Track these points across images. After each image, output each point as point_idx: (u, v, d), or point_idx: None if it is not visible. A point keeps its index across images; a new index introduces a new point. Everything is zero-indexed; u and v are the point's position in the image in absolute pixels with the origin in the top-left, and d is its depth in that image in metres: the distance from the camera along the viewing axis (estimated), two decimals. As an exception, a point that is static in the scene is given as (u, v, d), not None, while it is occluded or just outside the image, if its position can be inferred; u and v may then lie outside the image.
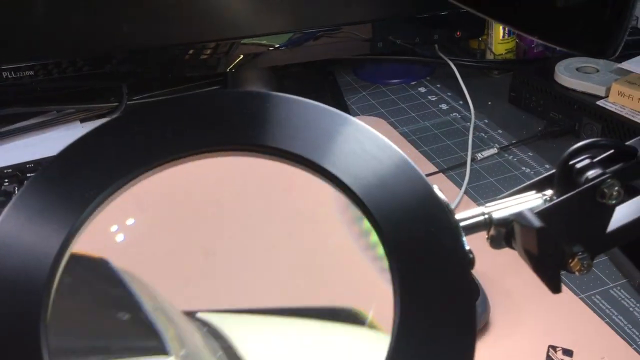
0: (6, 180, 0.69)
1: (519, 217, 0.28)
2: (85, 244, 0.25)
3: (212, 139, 0.28)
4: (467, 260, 0.26)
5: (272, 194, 0.29)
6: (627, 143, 0.30)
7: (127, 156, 0.28)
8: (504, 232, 0.29)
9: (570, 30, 0.32)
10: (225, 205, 0.28)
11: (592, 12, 0.32)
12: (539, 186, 0.29)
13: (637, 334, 0.52)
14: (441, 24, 0.87)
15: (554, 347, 0.51)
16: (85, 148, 0.28)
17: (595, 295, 0.56)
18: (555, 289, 0.28)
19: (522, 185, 0.30)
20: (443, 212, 0.26)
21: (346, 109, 0.89)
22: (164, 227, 0.27)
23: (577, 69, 0.81)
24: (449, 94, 0.90)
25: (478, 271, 0.54)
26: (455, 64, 0.90)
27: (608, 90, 0.76)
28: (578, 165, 0.28)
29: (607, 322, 0.53)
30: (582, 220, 0.28)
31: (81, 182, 0.27)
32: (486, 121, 0.83)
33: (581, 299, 0.56)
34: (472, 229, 0.28)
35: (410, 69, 0.97)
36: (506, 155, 0.76)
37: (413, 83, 0.94)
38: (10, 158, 0.77)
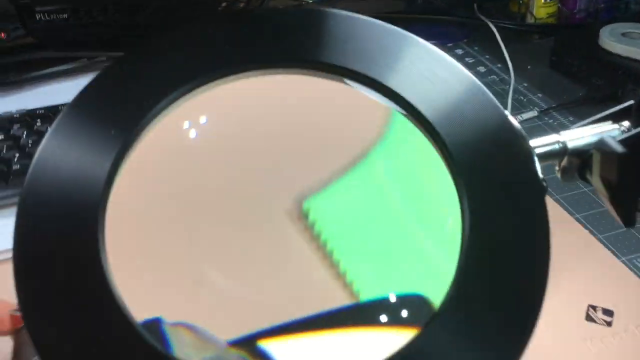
0: (38, 120, 0.68)
1: (600, 143, 0.26)
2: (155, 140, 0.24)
3: (275, 55, 0.27)
4: (542, 187, 0.24)
5: (332, 115, 0.27)
6: None
7: (186, 68, 0.26)
8: (577, 163, 0.27)
9: None
10: (286, 124, 0.27)
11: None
12: (616, 117, 0.28)
13: (681, 298, 0.51)
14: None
15: (594, 307, 0.49)
16: (139, 60, 0.27)
17: (638, 258, 0.55)
18: (630, 222, 0.27)
19: (597, 116, 0.29)
20: (517, 138, 0.25)
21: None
22: (228, 138, 0.26)
23: (623, 35, 0.78)
24: (487, 56, 0.87)
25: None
26: (495, 26, 0.88)
27: (655, 55, 0.73)
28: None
29: (649, 286, 0.52)
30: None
31: (143, 85, 0.26)
32: (525, 84, 0.80)
33: (622, 262, 0.54)
34: (546, 157, 0.27)
35: (447, 30, 0.94)
36: (546, 119, 0.74)
37: (450, 45, 0.92)
38: (39, 102, 0.77)
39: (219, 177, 0.25)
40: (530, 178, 0.24)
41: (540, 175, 0.25)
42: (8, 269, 0.24)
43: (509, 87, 0.79)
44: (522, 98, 0.78)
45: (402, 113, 0.26)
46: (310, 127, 0.27)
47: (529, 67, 0.84)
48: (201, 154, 0.25)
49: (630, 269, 0.54)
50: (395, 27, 0.29)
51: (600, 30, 0.79)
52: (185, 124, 0.25)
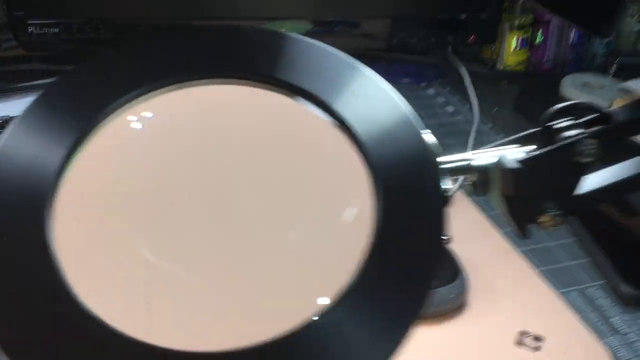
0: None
1: (500, 161, 0.30)
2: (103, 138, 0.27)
3: (229, 67, 0.31)
4: (442, 194, 0.28)
5: (274, 125, 0.31)
6: (606, 110, 0.32)
7: (141, 73, 0.30)
8: (481, 179, 0.31)
9: (579, 9, 0.34)
10: (229, 131, 0.30)
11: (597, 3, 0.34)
12: (522, 141, 0.31)
13: (608, 330, 0.54)
14: (456, 28, 0.90)
15: (525, 332, 0.52)
16: (95, 66, 0.31)
17: (573, 291, 0.58)
18: (524, 233, 0.30)
19: (506, 139, 0.32)
20: (428, 154, 0.28)
21: (355, 101, 0.91)
22: (171, 136, 0.29)
23: (583, 84, 0.83)
24: (457, 97, 0.92)
25: (463, 257, 0.56)
26: (466, 70, 0.92)
27: (610, 105, 0.78)
28: (558, 125, 0.30)
29: (580, 317, 0.55)
30: (556, 178, 0.30)
31: (94, 91, 0.29)
32: (490, 126, 0.85)
33: (557, 294, 0.57)
34: (453, 172, 0.30)
35: (422, 71, 0.99)
36: (504, 158, 0.78)
37: (423, 84, 0.97)
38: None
39: (159, 169, 0.29)
40: (432, 185, 0.28)
41: (444, 185, 0.28)
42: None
43: (473, 127, 0.83)
44: (484, 139, 0.82)
45: (337, 127, 0.29)
46: (250, 132, 0.30)
47: (495, 109, 0.89)
48: (144, 148, 0.29)
49: (565, 300, 0.57)
50: (345, 55, 0.33)
51: (562, 80, 0.84)
52: (133, 119, 0.28)
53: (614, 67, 0.89)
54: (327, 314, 0.25)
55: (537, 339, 0.52)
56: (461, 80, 0.92)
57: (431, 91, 0.95)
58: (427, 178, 0.28)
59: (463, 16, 0.89)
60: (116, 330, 0.24)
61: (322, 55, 0.32)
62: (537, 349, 0.51)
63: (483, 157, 0.31)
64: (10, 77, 0.87)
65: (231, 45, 0.31)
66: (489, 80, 0.95)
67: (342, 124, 0.29)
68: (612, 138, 0.31)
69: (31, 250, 0.27)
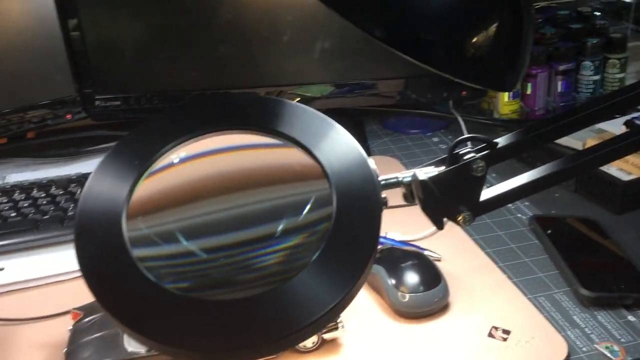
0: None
1: (414, 176, 0.44)
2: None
3: (239, 121, 0.46)
4: (381, 200, 0.42)
5: (267, 158, 0.46)
6: (495, 140, 0.46)
7: (178, 130, 0.45)
8: (408, 190, 0.44)
9: (478, 71, 0.48)
10: (239, 161, 0.45)
11: (494, 58, 0.48)
12: (437, 164, 0.45)
13: (568, 326, 0.66)
14: (451, 84, 1.04)
15: (495, 327, 0.65)
16: (153, 124, 0.47)
17: (541, 296, 0.70)
18: (438, 226, 0.44)
19: (427, 163, 0.46)
20: (371, 174, 0.42)
21: (368, 151, 1.06)
22: (198, 167, 0.45)
23: (564, 128, 0.96)
24: (458, 143, 1.06)
25: (445, 270, 0.69)
26: (463, 120, 1.06)
27: (584, 144, 0.90)
28: (460, 151, 0.44)
29: (545, 316, 0.67)
30: (464, 187, 0.44)
31: (147, 144, 0.45)
32: (484, 166, 0.98)
33: (528, 299, 0.69)
34: (388, 185, 0.44)
35: (427, 122, 1.13)
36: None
37: (429, 134, 1.11)
38: (92, 169, 0.97)
39: (190, 187, 0.44)
40: (374, 194, 0.41)
41: (381, 194, 0.42)
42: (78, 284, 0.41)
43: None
44: (479, 177, 0.95)
45: (311, 159, 0.44)
46: (251, 162, 0.45)
47: (491, 153, 1.02)
48: (180, 174, 0.44)
49: (533, 303, 0.69)
50: (324, 116, 0.47)
51: (546, 124, 0.96)
52: (175, 158, 0.44)
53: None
54: (299, 276, 0.39)
55: (506, 332, 0.64)
56: (462, 130, 1.06)
57: (435, 139, 1.09)
58: (369, 189, 0.41)
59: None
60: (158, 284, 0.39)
61: (306, 115, 0.46)
62: (505, 339, 0.63)
63: (407, 174, 0.45)
64: (81, 142, 1.05)
65: (241, 106, 0.46)
66: (486, 128, 1.09)
67: (315, 158, 0.44)
68: (495, 159, 0.45)
69: (114, 248, 0.41)
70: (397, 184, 0.44)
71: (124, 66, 0.99)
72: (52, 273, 0.74)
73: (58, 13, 0.94)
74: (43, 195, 0.84)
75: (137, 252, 0.40)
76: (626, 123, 0.50)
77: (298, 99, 1.06)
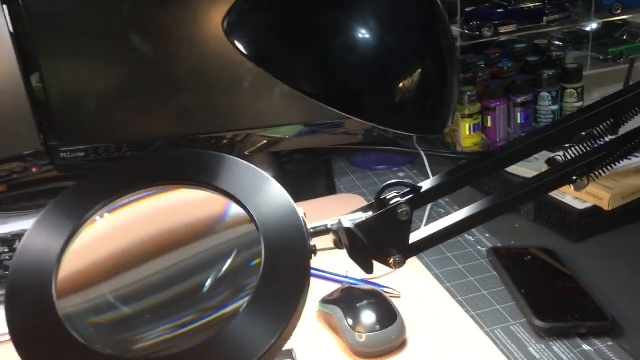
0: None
1: (339, 223, 0.45)
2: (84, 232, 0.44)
3: (173, 175, 0.47)
4: (309, 248, 0.43)
5: (195, 215, 0.47)
6: (419, 184, 0.47)
7: (111, 187, 0.46)
8: (338, 237, 0.46)
9: (406, 117, 0.49)
10: (168, 213, 0.46)
11: (420, 104, 0.49)
12: (366, 209, 0.46)
13: (525, 359, 0.66)
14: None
15: (451, 363, 0.65)
16: (89, 181, 0.48)
17: (498, 329, 0.71)
18: (367, 271, 0.45)
19: (356, 209, 0.47)
20: (300, 223, 0.44)
21: (334, 189, 1.07)
22: (134, 224, 0.46)
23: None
24: (422, 178, 1.07)
25: (403, 307, 0.69)
26: (426, 154, 1.08)
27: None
28: (387, 197, 0.46)
29: (501, 350, 0.67)
30: (391, 231, 0.45)
31: (81, 202, 0.46)
32: (447, 200, 0.99)
33: (485, 332, 0.70)
34: (317, 233, 0.45)
35: (393, 158, 1.15)
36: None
37: (395, 169, 1.12)
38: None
39: (116, 245, 0.45)
40: (301, 242, 0.42)
41: (310, 242, 0.43)
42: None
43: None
44: (442, 210, 0.96)
45: (243, 211, 0.45)
46: (182, 214, 0.46)
47: (454, 186, 1.03)
48: (113, 241, 0.45)
49: (490, 337, 0.69)
50: (257, 169, 0.48)
51: (505, 156, 0.98)
52: (98, 218, 0.45)
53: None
54: (233, 322, 0.40)
55: (462, 366, 0.65)
56: (424, 164, 1.07)
57: (401, 174, 1.11)
58: (298, 238, 0.43)
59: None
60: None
61: (240, 168, 0.48)
62: (461, 374, 0.64)
63: (334, 222, 0.46)
64: (48, 194, 1.05)
65: (177, 161, 0.48)
66: (449, 160, 1.11)
67: (245, 209, 0.45)
68: (420, 203, 0.47)
69: (42, 305, 0.42)
70: (325, 231, 0.45)
71: (87, 117, 1.01)
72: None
73: (20, 67, 0.96)
74: (7, 250, 0.85)
75: (65, 316, 0.41)
76: (547, 161, 0.52)
77: (264, 141, 1.08)
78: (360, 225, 0.44)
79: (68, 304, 0.42)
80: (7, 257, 0.83)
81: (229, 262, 0.43)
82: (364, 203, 1.04)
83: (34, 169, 0.99)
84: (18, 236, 0.88)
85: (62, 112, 0.99)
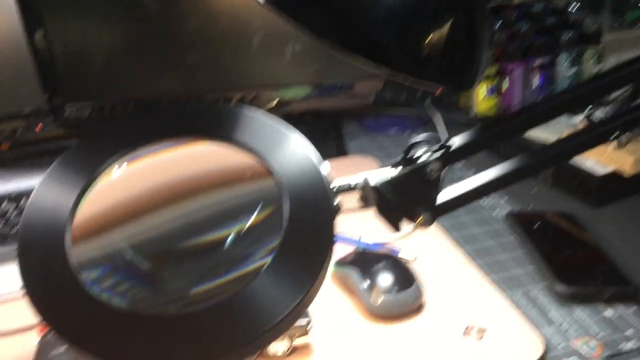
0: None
1: (365, 181, 0.42)
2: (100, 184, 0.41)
3: (190, 129, 0.44)
4: (333, 206, 0.40)
5: (216, 166, 0.45)
6: (451, 139, 0.45)
7: (125, 140, 0.44)
8: (364, 195, 0.43)
9: (434, 70, 0.47)
10: (188, 166, 0.44)
11: (449, 56, 0.46)
12: (392, 167, 0.44)
13: (545, 322, 0.65)
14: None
15: (471, 326, 0.64)
16: (101, 134, 0.45)
17: (517, 293, 0.69)
18: (394, 230, 0.43)
19: (383, 165, 0.45)
20: (323, 180, 0.41)
21: (345, 152, 1.05)
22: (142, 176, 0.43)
23: (541, 122, 0.95)
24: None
25: (420, 270, 0.68)
26: (441, 118, 1.05)
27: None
28: (415, 153, 0.43)
29: (522, 314, 0.66)
30: (420, 190, 0.43)
31: (95, 153, 0.43)
32: (461, 165, 0.97)
33: (505, 296, 0.68)
34: (342, 190, 0.43)
35: (405, 121, 1.12)
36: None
37: (407, 132, 1.10)
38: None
39: (134, 196, 0.43)
40: (326, 200, 0.40)
41: (334, 199, 0.40)
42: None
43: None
44: (456, 175, 0.94)
45: (263, 166, 0.43)
46: (201, 169, 0.44)
47: (468, 150, 1.01)
48: (127, 188, 0.43)
49: (509, 301, 0.68)
50: (279, 123, 0.46)
51: (522, 119, 0.96)
52: (117, 171, 0.42)
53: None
54: (253, 283, 0.37)
55: (481, 330, 0.63)
56: (439, 127, 1.05)
57: (413, 138, 1.08)
58: (322, 195, 0.40)
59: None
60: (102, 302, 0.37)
61: (260, 122, 0.45)
62: (480, 338, 0.62)
63: (359, 179, 0.43)
64: (53, 153, 1.03)
65: (193, 114, 0.45)
66: (463, 125, 1.08)
67: (267, 164, 0.42)
68: (450, 160, 0.44)
69: (57, 265, 0.40)
70: (350, 188, 0.43)
71: (93, 74, 0.98)
72: (19, 287, 0.72)
73: (24, 24, 0.93)
74: (13, 207, 0.83)
75: (79, 269, 0.39)
76: (585, 117, 0.49)
77: (275, 100, 1.05)
78: (387, 183, 0.42)
79: (82, 252, 0.39)
80: (12, 215, 0.81)
81: (252, 217, 0.41)
82: (377, 165, 1.02)
83: (38, 127, 0.97)
84: (23, 194, 0.85)
85: (67, 69, 0.96)
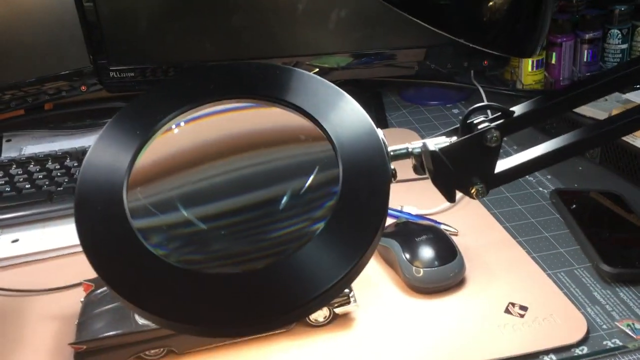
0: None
1: (423, 147, 0.42)
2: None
3: (243, 90, 0.44)
4: (389, 170, 0.40)
5: (271, 124, 0.44)
6: (511, 108, 0.44)
7: (180, 100, 0.44)
8: (418, 161, 0.43)
9: (495, 36, 0.45)
10: (242, 126, 0.44)
11: (512, 22, 0.45)
12: (450, 134, 0.43)
13: (588, 302, 0.64)
14: (472, 54, 1.01)
15: (512, 303, 0.63)
16: (155, 94, 0.45)
17: (561, 272, 0.68)
18: (449, 199, 0.42)
19: (439, 133, 0.44)
20: (381, 145, 0.41)
21: (385, 123, 1.04)
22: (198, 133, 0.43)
23: (589, 99, 0.92)
24: (479, 115, 1.03)
25: (462, 245, 0.67)
26: (485, 91, 1.03)
27: (609, 115, 0.87)
28: (474, 121, 0.42)
29: (565, 293, 0.65)
30: (477, 158, 0.42)
31: (151, 114, 0.43)
32: (505, 139, 0.95)
33: (548, 274, 0.67)
34: (397, 156, 0.42)
35: (447, 93, 1.10)
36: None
37: (449, 105, 1.08)
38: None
39: (190, 153, 0.43)
40: (382, 165, 0.40)
41: (390, 165, 0.40)
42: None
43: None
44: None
45: (318, 128, 0.42)
46: (255, 129, 0.44)
47: (512, 124, 0.99)
48: (183, 141, 0.43)
49: (553, 279, 0.67)
50: (333, 86, 0.45)
51: (571, 95, 0.93)
52: (175, 126, 0.42)
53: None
54: (304, 248, 0.37)
55: (523, 308, 0.63)
56: (482, 101, 1.03)
57: (455, 111, 1.06)
58: (377, 160, 0.40)
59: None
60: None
61: (314, 83, 0.45)
62: (522, 316, 0.62)
63: (417, 145, 0.43)
64: (96, 114, 1.04)
65: (245, 75, 0.45)
66: (508, 98, 1.06)
67: (321, 127, 0.42)
68: (511, 129, 0.43)
69: (114, 220, 0.40)
70: (406, 154, 0.42)
71: (137, 37, 0.98)
72: (65, 245, 0.74)
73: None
74: (58, 167, 0.84)
75: (137, 224, 0.39)
76: None
77: (316, 70, 1.04)
78: (445, 150, 0.41)
79: (139, 201, 0.40)
80: (58, 174, 0.82)
81: (308, 179, 0.40)
82: (417, 138, 1.01)
83: (83, 87, 0.97)
84: (69, 154, 0.86)
85: (112, 30, 0.96)
